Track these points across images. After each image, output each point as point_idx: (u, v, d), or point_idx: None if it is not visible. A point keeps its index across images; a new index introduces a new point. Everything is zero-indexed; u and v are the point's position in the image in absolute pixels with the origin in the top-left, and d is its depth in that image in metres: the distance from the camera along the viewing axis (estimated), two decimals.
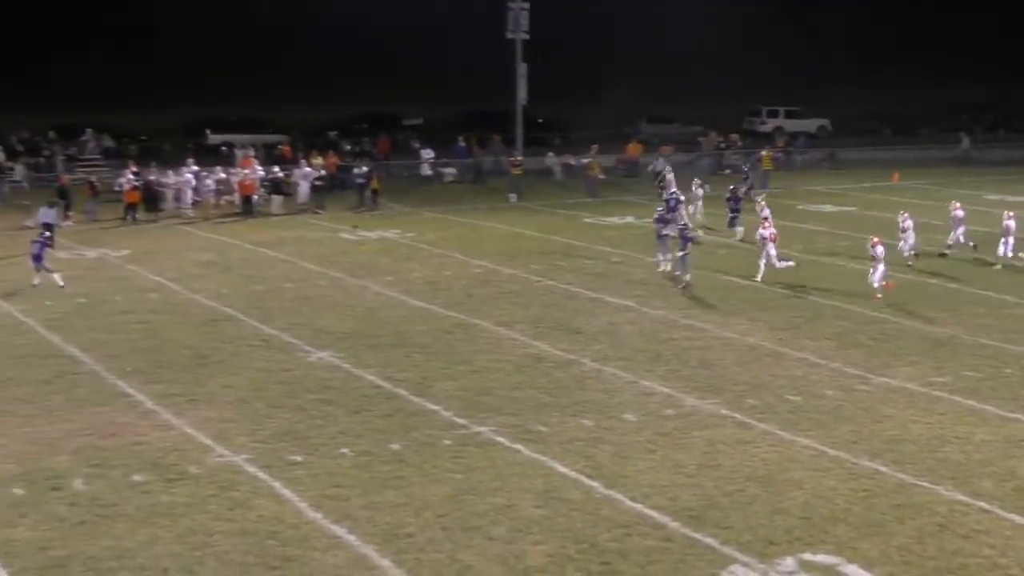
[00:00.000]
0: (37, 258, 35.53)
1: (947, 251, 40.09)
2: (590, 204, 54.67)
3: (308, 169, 53.39)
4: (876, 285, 33.83)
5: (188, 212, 50.09)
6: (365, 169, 54.58)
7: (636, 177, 63.21)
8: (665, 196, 41.18)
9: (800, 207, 52.60)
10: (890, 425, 23.21)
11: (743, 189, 47.55)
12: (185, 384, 25.66)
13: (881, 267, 33.93)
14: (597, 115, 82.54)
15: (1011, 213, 39.50)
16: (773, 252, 36.44)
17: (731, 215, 44.35)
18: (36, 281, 35.31)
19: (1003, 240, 38.72)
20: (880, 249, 34.08)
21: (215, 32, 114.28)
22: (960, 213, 40.47)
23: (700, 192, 46.79)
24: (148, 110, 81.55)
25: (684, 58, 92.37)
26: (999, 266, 38.41)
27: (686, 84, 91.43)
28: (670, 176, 42.93)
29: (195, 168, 52.15)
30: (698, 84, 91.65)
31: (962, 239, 40.12)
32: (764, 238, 36.62)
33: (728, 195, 45.16)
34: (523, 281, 36.78)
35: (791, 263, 36.88)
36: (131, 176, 49.83)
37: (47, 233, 38.16)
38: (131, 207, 48.51)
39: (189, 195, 50.63)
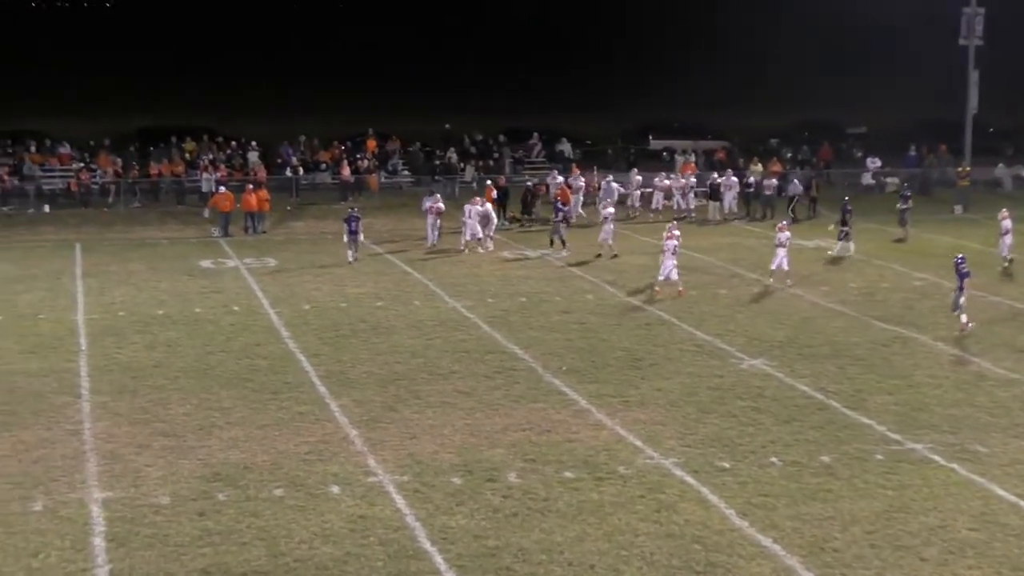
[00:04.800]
0: (352, 232, 40.26)
1: None
2: None
3: (734, 178, 53.23)
4: None
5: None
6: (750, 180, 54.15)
7: None
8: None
9: None
10: None
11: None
12: (618, 385, 26.13)
13: None
14: None
15: None
16: None
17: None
18: (351, 257, 40.26)
19: None
20: None
21: (665, 40, 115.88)
22: None
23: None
24: (595, 116, 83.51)
25: None
26: None
27: None
28: None
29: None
30: None
31: None
32: None
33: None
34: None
35: None
36: (559, 179, 52.36)
37: (355, 209, 42.09)
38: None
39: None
